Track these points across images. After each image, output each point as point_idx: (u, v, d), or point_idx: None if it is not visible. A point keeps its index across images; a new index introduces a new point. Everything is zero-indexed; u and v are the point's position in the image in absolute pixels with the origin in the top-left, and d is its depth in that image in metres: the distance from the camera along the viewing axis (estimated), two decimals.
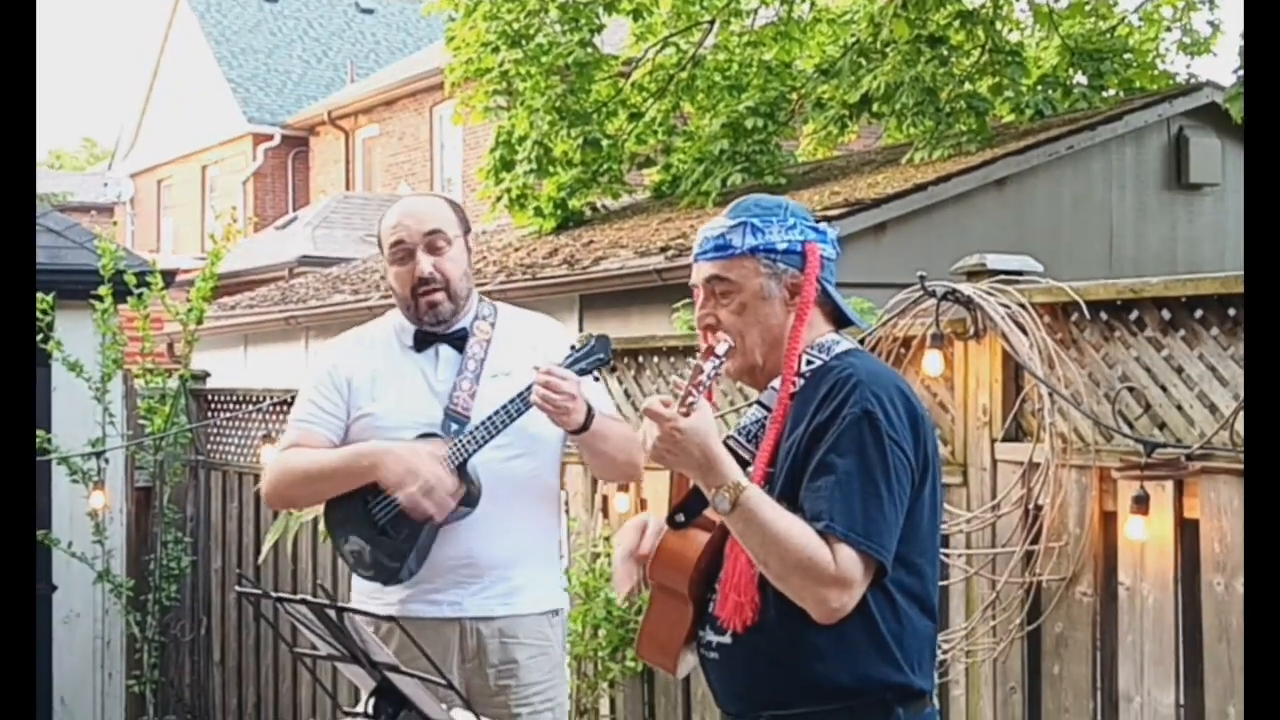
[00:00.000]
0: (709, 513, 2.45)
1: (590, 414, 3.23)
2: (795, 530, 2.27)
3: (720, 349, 2.32)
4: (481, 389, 3.36)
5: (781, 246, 2.48)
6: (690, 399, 2.28)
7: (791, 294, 2.48)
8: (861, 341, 3.95)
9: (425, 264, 3.36)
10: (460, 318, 3.44)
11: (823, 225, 2.55)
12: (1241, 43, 10.26)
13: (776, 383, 2.49)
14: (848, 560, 2.27)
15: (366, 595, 3.39)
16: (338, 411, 3.43)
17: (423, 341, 3.44)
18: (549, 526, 3.50)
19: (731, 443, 2.50)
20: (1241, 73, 10.27)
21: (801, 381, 2.46)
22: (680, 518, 2.50)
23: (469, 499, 3.29)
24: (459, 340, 3.43)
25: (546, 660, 3.40)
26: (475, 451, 3.27)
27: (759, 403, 2.55)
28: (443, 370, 3.41)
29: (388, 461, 3.27)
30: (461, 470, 3.28)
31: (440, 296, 3.38)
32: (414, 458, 3.26)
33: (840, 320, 2.56)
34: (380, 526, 3.33)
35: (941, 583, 3.99)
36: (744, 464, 2.42)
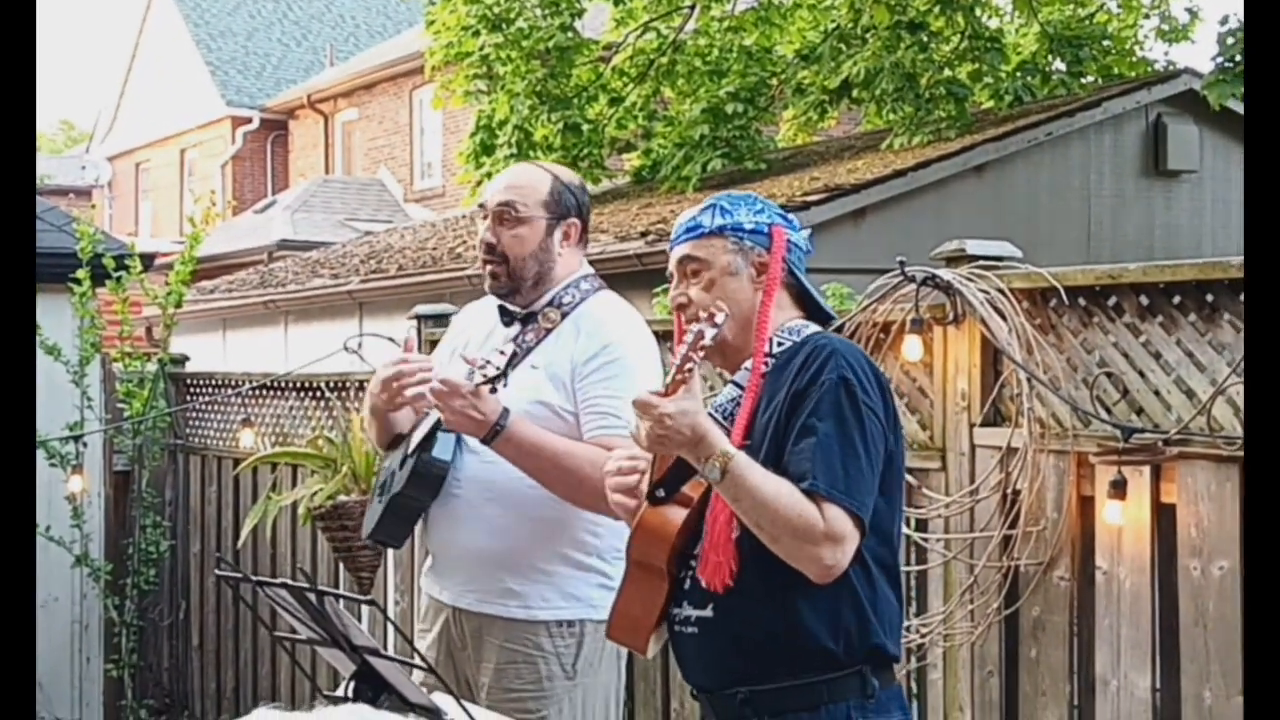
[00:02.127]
0: (687, 489, 2.52)
1: (496, 427, 3.03)
2: (784, 491, 2.37)
3: (719, 318, 2.41)
4: (513, 376, 3.12)
5: (749, 226, 2.60)
6: (689, 365, 2.36)
7: (758, 272, 2.58)
8: (841, 327, 3.97)
9: (486, 232, 3.24)
10: (523, 298, 3.26)
11: (794, 218, 2.68)
12: (1220, 29, 10.30)
13: (749, 364, 2.56)
14: (835, 517, 2.37)
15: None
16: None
17: (506, 316, 3.31)
18: (561, 535, 3.19)
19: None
20: (1220, 60, 10.31)
21: (773, 362, 2.54)
22: (660, 493, 2.55)
23: (417, 475, 3.17)
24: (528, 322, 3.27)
25: (531, 670, 3.17)
26: (427, 439, 3.16)
27: (733, 382, 2.63)
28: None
29: (374, 379, 3.26)
30: (421, 449, 3.19)
31: (498, 270, 3.23)
32: (379, 380, 3.21)
33: (810, 309, 2.65)
34: (382, 484, 3.33)
35: (920, 567, 4.04)
36: None
